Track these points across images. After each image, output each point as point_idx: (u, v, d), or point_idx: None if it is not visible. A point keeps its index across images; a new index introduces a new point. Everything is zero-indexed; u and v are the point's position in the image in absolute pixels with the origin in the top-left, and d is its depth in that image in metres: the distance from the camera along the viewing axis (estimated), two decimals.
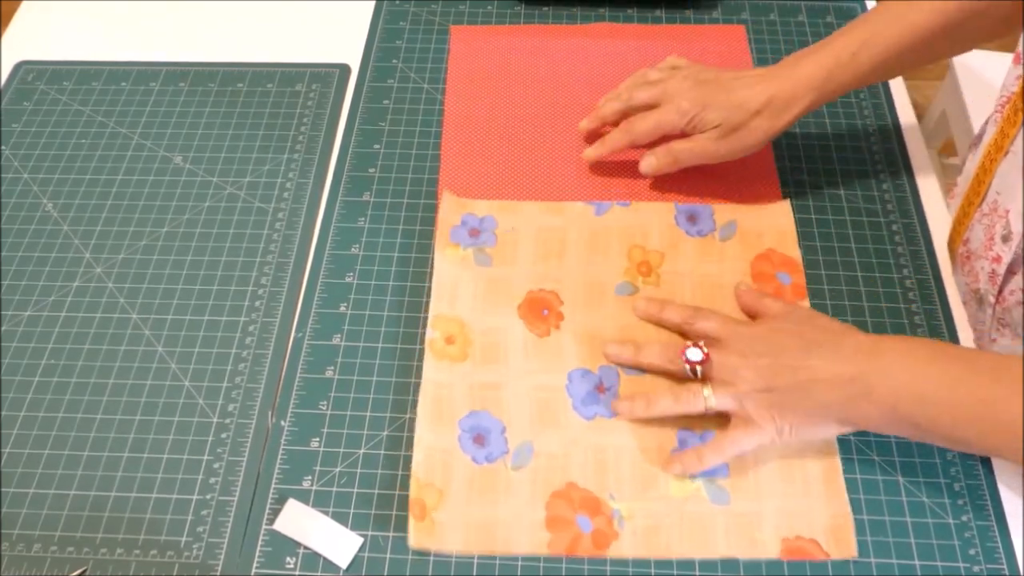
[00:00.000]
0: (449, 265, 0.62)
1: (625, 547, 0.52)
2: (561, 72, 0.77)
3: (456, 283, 0.62)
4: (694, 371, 0.54)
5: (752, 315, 0.59)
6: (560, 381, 0.58)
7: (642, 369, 0.58)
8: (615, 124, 0.68)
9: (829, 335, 0.53)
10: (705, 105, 0.61)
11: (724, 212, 0.66)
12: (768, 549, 0.52)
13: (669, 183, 0.68)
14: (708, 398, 0.53)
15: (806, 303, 0.61)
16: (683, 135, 0.64)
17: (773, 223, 0.65)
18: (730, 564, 0.52)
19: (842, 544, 0.52)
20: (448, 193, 0.66)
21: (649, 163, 0.65)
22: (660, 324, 0.60)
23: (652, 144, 0.65)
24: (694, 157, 0.64)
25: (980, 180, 0.58)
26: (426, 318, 0.61)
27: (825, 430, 0.52)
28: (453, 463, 0.54)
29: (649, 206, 0.66)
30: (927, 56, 0.61)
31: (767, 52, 0.78)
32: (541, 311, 0.61)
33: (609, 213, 0.65)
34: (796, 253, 0.64)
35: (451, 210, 0.65)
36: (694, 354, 0.54)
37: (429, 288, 0.63)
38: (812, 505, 0.53)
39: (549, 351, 0.59)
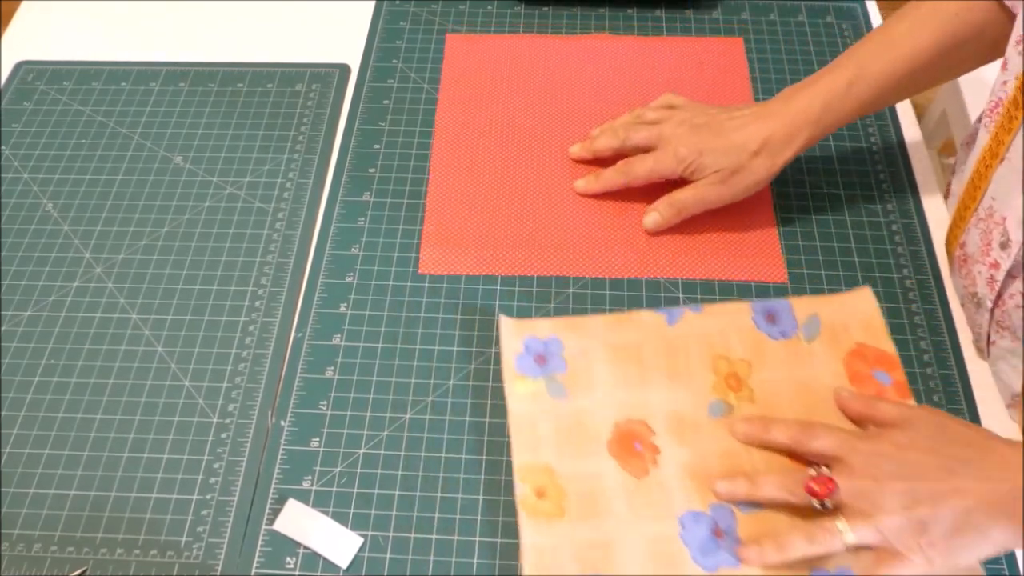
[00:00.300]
0: (523, 403, 0.56)
1: None
2: (557, 85, 0.76)
3: (534, 423, 0.55)
4: (822, 504, 0.48)
5: (863, 424, 0.53)
6: (672, 529, 0.52)
7: (759, 504, 0.52)
8: (607, 159, 0.67)
9: (969, 450, 0.47)
10: (702, 151, 0.61)
11: (803, 307, 0.60)
12: None
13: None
14: (845, 533, 0.47)
15: (911, 402, 0.56)
16: (681, 181, 0.63)
17: (857, 313, 0.59)
18: None
19: None
20: (505, 318, 0.59)
21: (653, 220, 0.64)
22: (766, 447, 0.54)
23: (650, 188, 0.65)
24: (697, 205, 0.63)
25: (976, 185, 0.58)
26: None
27: (979, 551, 0.47)
28: None
29: (723, 308, 0.60)
30: (921, 82, 0.61)
31: (767, 52, 0.78)
32: (633, 446, 0.55)
33: (682, 321, 0.59)
34: (889, 346, 0.58)
35: (512, 335, 0.59)
36: (820, 485, 0.48)
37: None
38: None
39: (652, 494, 0.53)
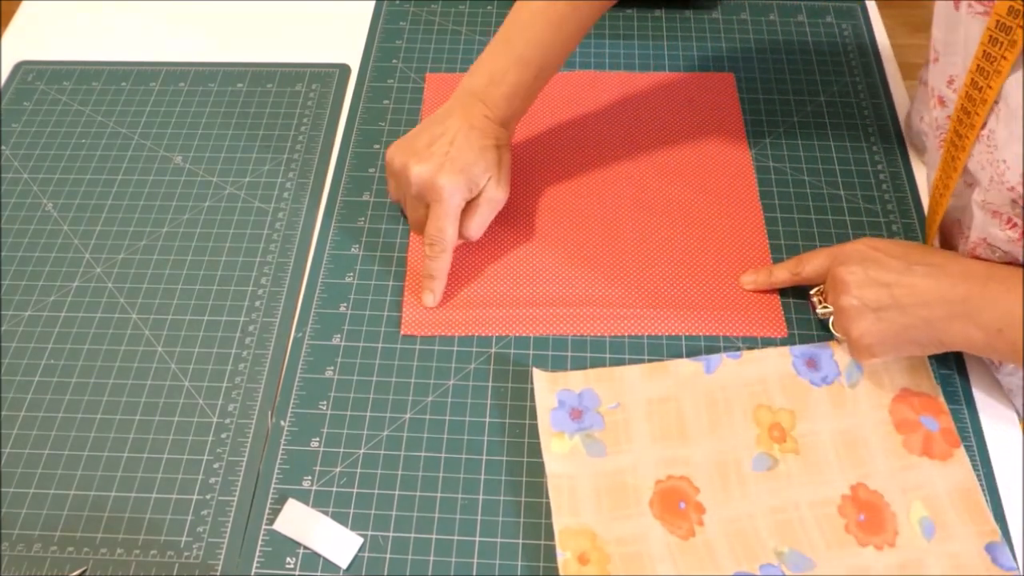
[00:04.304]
0: (560, 463, 0.54)
1: None
2: (540, 128, 0.73)
3: (574, 485, 0.54)
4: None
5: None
6: None
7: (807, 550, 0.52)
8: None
9: (937, 257, 0.54)
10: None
11: (843, 351, 0.58)
12: None
13: (649, 211, 0.67)
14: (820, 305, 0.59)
15: (962, 451, 0.55)
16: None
17: (907, 368, 0.58)
18: None
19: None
20: (538, 371, 0.58)
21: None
22: (772, 287, 0.62)
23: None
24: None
25: (933, 210, 0.60)
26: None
27: (923, 349, 0.54)
28: None
29: (763, 354, 0.59)
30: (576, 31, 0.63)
31: (767, 52, 0.78)
32: (678, 505, 0.53)
33: (721, 368, 0.58)
34: (934, 389, 0.57)
35: (545, 390, 0.57)
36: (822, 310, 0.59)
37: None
38: (968, 541, 0.51)
39: (699, 556, 0.51)
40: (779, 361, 0.58)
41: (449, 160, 0.59)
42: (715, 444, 0.55)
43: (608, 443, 0.55)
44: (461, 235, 0.61)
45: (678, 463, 0.55)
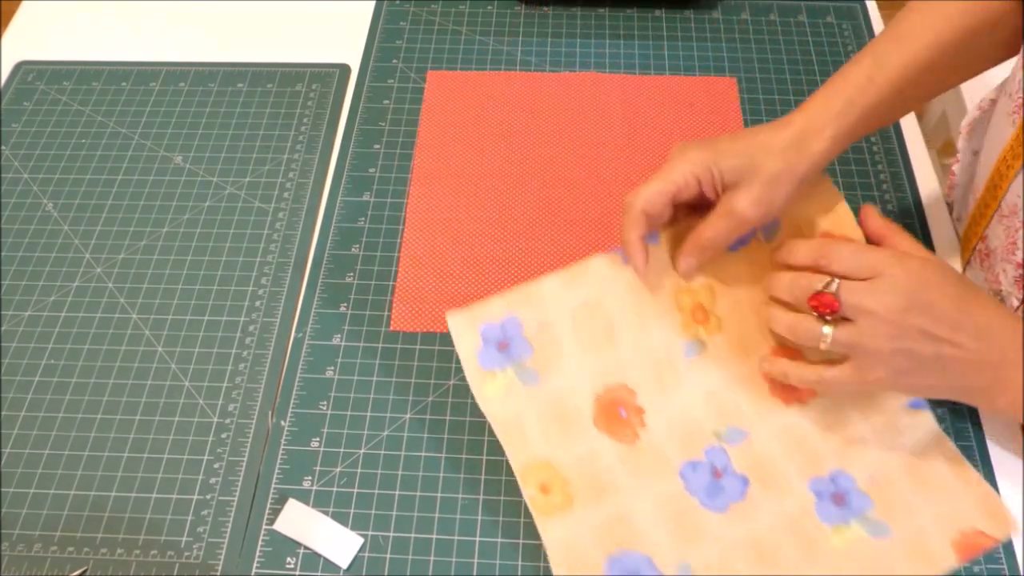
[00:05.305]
0: (499, 404, 0.54)
1: None
2: (541, 129, 0.73)
3: (519, 421, 0.53)
4: (821, 317, 0.50)
5: (880, 243, 0.53)
6: (676, 485, 0.52)
7: (746, 435, 0.54)
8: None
9: (981, 311, 0.48)
10: (717, 158, 0.52)
11: None
12: (946, 558, 0.50)
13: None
14: (827, 335, 0.49)
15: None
16: (703, 204, 0.55)
17: (818, 201, 0.56)
18: None
19: (1000, 521, 0.51)
20: (452, 313, 0.55)
21: (688, 266, 0.56)
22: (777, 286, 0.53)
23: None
24: (728, 228, 0.55)
25: (996, 184, 0.57)
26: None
27: (947, 395, 0.51)
28: None
29: (679, 234, 0.56)
30: (939, 77, 0.58)
31: (767, 52, 0.78)
32: (618, 413, 0.54)
33: None
34: (857, 232, 0.55)
35: (465, 329, 0.55)
36: (820, 303, 0.49)
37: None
38: (957, 497, 0.52)
39: (648, 457, 0.53)
40: (697, 229, 0.55)
41: None
42: (644, 341, 0.55)
43: (539, 368, 0.54)
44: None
45: (611, 371, 0.55)
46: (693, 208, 0.55)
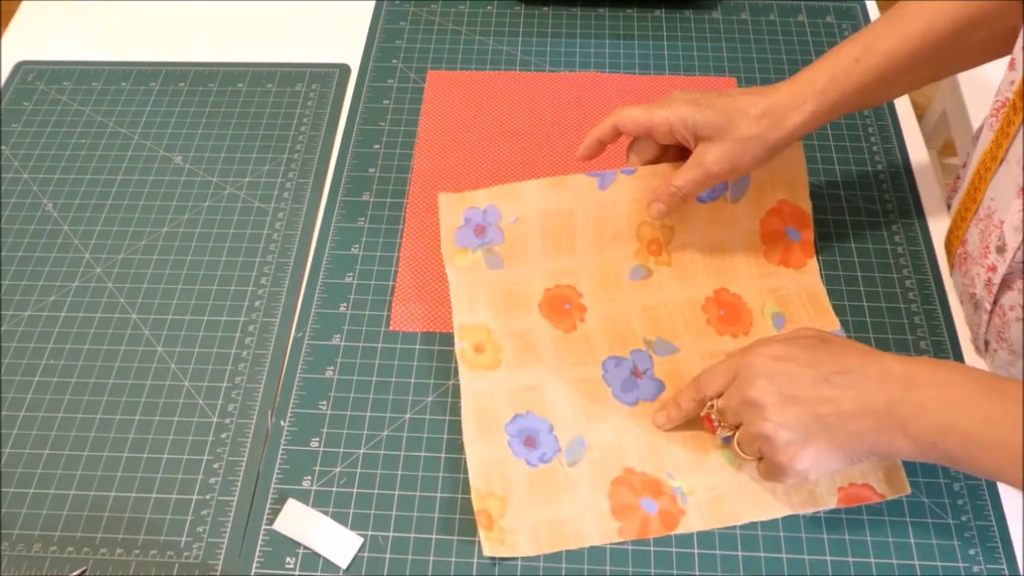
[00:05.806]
0: (462, 274, 0.59)
1: (693, 522, 0.53)
2: (541, 128, 0.73)
3: (473, 291, 0.59)
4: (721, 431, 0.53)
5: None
6: (595, 372, 0.58)
7: (675, 350, 0.59)
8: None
9: (849, 360, 0.49)
10: (698, 114, 0.56)
11: None
12: (826, 500, 0.53)
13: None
14: (722, 432, 0.53)
15: (814, 261, 0.63)
16: (678, 155, 0.60)
17: (785, 170, 0.63)
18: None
19: (894, 483, 0.53)
20: (443, 193, 0.61)
21: (659, 210, 0.59)
22: (690, 415, 0.55)
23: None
24: (700, 178, 0.58)
25: (975, 187, 0.58)
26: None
27: (863, 456, 0.49)
28: (509, 470, 0.54)
29: (655, 170, 0.60)
30: (930, 64, 0.58)
31: (767, 52, 0.78)
32: (563, 306, 0.60)
33: (614, 185, 0.60)
34: (806, 204, 0.63)
35: (451, 210, 0.60)
36: (708, 423, 0.54)
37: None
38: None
39: (579, 345, 0.59)
40: (669, 176, 0.58)
41: None
42: (598, 257, 0.61)
43: (505, 256, 0.60)
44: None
45: (564, 274, 0.61)
46: (682, 152, 0.59)
